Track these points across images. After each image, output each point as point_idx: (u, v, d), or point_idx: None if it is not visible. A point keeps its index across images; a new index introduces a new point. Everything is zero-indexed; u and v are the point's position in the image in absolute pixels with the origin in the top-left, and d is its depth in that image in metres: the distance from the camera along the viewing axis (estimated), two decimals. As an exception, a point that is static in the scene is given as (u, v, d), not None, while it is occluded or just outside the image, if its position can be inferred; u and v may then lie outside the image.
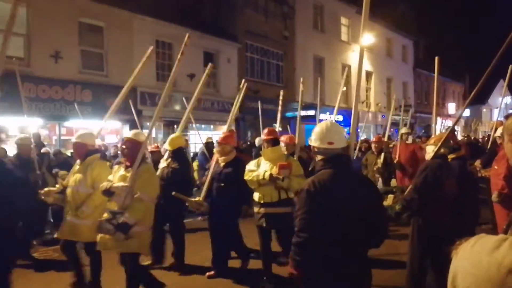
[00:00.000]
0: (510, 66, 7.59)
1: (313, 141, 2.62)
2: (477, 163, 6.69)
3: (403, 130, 8.81)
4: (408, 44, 30.69)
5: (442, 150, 4.06)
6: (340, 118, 20.59)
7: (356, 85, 3.17)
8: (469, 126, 23.79)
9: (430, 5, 31.88)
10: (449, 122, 35.36)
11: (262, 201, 4.76)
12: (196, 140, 16.18)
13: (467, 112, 39.11)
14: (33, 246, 6.84)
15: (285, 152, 5.79)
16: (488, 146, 8.30)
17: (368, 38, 25.15)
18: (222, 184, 5.15)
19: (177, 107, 14.75)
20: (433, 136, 4.62)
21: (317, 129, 2.65)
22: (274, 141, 4.95)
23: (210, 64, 7.18)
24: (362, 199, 2.41)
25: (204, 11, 16.88)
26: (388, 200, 4.15)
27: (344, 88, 24.39)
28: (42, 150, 8.58)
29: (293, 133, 12.62)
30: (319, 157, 2.60)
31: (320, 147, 2.57)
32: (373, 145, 8.18)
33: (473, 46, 41.37)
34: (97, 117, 11.52)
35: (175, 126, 15.33)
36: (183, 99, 14.78)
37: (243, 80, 7.34)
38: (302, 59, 20.79)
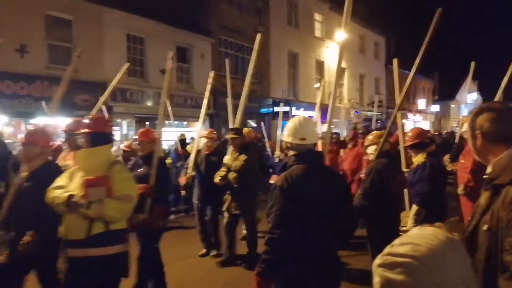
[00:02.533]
0: (473, 63, 7.83)
1: (286, 136, 2.63)
2: (446, 157, 6.88)
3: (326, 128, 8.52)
4: (380, 41, 31.19)
5: (382, 148, 3.97)
6: (314, 114, 20.77)
7: (335, 81, 3.21)
8: (437, 121, 24.44)
9: (400, 3, 32.49)
10: (418, 117, 36.36)
11: (65, 238, 3.02)
12: (169, 136, 15.99)
13: (436, 108, 40.30)
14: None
15: (141, 153, 4.50)
16: (456, 141, 8.53)
17: (341, 34, 25.44)
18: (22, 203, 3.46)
19: (149, 103, 14.50)
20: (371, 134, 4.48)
21: (290, 124, 2.65)
22: (93, 138, 3.09)
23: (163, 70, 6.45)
24: (333, 193, 2.47)
25: (177, 5, 16.61)
26: None
27: (318, 85, 24.61)
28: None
29: (267, 130, 12.60)
30: (291, 153, 2.62)
31: (292, 142, 2.58)
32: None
33: (443, 44, 42.51)
34: (66, 113, 11.18)
35: (147, 123, 15.11)
36: (155, 94, 14.57)
37: (212, 72, 6.93)
38: (276, 55, 20.81)
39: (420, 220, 4.08)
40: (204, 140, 6.16)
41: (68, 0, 11.88)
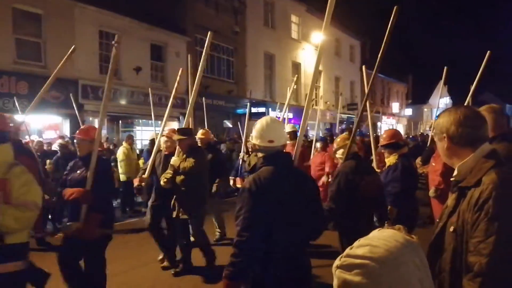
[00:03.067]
0: (445, 68, 8.02)
1: (254, 138, 2.61)
2: (418, 160, 7.01)
3: (289, 128, 7.65)
4: (355, 44, 31.69)
5: (349, 150, 3.92)
6: (290, 115, 20.87)
7: (311, 84, 3.20)
8: (409, 125, 24.99)
9: (376, 8, 33.08)
10: (392, 120, 37.12)
11: None
12: (143, 136, 15.74)
13: (409, 111, 41.27)
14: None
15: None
16: (428, 144, 8.71)
17: (318, 37, 25.66)
18: None
19: (122, 101, 14.22)
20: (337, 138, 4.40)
21: (258, 126, 2.62)
22: None
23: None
24: (302, 194, 2.46)
25: (152, 3, 16.37)
26: None
27: (295, 86, 24.77)
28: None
29: (243, 130, 12.52)
30: (260, 154, 2.60)
31: (260, 145, 2.57)
32: (250, 145, 6.09)
33: (416, 48, 43.69)
34: (36, 111, 10.82)
35: (120, 121, 14.84)
36: (129, 93, 14.31)
37: (180, 69, 6.48)
38: (253, 55, 20.80)
39: (392, 220, 4.13)
40: (164, 139, 5.69)
41: (38, -7, 11.50)
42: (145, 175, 5.53)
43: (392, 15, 3.67)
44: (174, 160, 5.07)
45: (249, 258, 2.28)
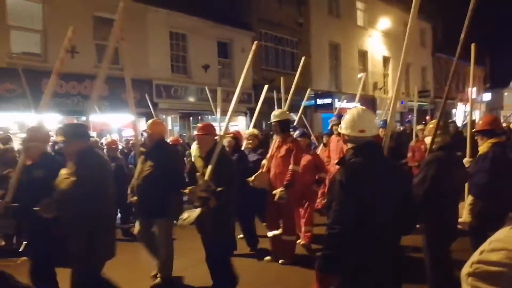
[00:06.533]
0: None
1: (344, 129, 2.57)
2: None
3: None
4: (426, 28, 29.91)
5: (441, 140, 3.73)
6: (358, 105, 20.31)
7: (399, 76, 3.12)
8: (488, 111, 23.13)
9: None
10: (468, 107, 34.56)
11: None
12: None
13: (488, 96, 38.18)
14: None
15: None
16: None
17: (385, 22, 24.57)
18: None
19: (192, 99, 14.74)
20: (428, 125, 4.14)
21: (348, 116, 2.58)
22: None
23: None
24: (394, 188, 2.40)
25: (216, 0, 16.73)
26: None
27: (362, 75, 23.99)
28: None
29: (309, 123, 12.49)
30: (349, 145, 2.55)
31: (350, 135, 2.52)
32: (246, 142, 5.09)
33: (493, 30, 40.23)
34: (114, 110, 11.63)
35: (191, 118, 15.41)
36: (198, 90, 14.80)
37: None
38: (317, 46, 20.47)
39: (475, 212, 3.91)
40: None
41: (114, 0, 12.24)
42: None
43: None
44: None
45: (340, 249, 2.28)
